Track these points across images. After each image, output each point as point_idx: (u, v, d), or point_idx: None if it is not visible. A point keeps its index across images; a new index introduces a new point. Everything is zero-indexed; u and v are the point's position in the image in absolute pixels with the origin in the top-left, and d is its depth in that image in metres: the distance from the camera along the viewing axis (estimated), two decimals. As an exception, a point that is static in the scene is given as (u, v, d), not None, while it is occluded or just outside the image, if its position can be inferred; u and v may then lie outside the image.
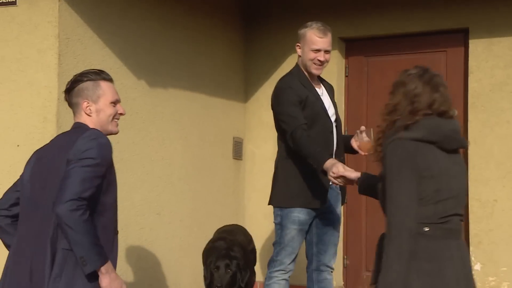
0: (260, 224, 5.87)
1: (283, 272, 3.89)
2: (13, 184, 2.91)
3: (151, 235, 4.91)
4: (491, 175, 5.30)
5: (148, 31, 4.95)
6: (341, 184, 3.55)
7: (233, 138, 5.99)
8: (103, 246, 2.60)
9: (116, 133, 2.88)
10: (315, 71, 3.97)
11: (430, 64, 5.49)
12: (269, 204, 4.07)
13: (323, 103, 3.98)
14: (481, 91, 5.37)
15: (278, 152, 4.07)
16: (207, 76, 5.62)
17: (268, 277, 3.93)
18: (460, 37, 5.52)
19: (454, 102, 5.35)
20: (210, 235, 4.82)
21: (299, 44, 4.03)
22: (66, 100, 2.85)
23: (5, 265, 2.76)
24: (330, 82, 4.35)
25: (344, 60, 5.99)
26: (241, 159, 6.11)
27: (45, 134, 4.06)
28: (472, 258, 5.31)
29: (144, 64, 4.88)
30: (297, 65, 4.08)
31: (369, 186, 3.07)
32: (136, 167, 4.75)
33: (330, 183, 3.69)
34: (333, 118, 4.03)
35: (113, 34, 4.60)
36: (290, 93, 3.91)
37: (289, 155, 3.94)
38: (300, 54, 4.03)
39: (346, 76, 5.97)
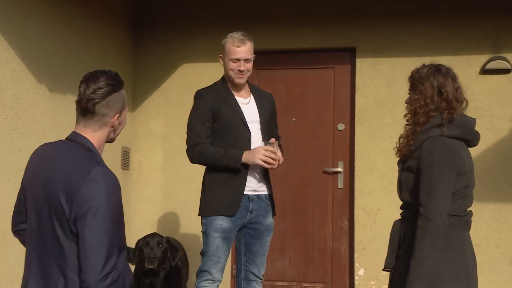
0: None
1: (212, 282, 3.88)
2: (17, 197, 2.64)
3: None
4: (375, 186, 5.66)
5: (49, 33, 4.71)
6: (273, 164, 3.80)
7: (122, 147, 5.84)
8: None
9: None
10: (237, 80, 4.00)
11: (318, 79, 5.88)
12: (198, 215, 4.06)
13: (241, 112, 3.99)
14: (367, 107, 5.72)
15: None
16: (101, 82, 5.43)
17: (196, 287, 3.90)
18: (347, 56, 5.85)
19: (342, 117, 5.78)
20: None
21: (221, 55, 4.07)
22: (83, 106, 2.49)
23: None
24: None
25: (235, 73, 6.08)
26: (128, 169, 5.97)
27: None
28: (356, 264, 5.64)
29: (46, 67, 4.63)
30: (222, 76, 4.14)
31: None
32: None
33: (255, 192, 3.89)
34: (254, 126, 4.02)
35: (17, 34, 4.31)
36: (200, 105, 3.98)
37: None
38: (223, 65, 4.07)
39: (237, 88, 6.06)
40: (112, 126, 2.54)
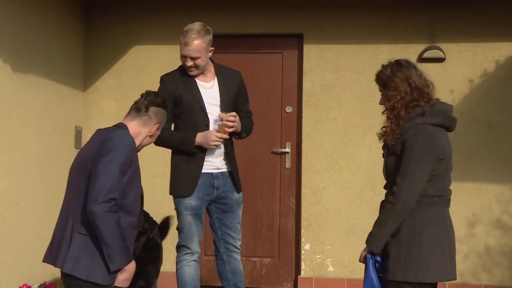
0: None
1: (191, 254, 4.11)
2: None
3: (12, 226, 4.70)
4: (321, 165, 5.99)
5: (12, 13, 4.72)
6: (221, 141, 4.07)
7: (75, 127, 5.91)
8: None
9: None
10: (189, 73, 4.14)
11: (267, 64, 6.15)
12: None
13: (201, 98, 4.12)
14: (314, 91, 6.04)
15: None
16: (58, 63, 5.48)
17: (178, 261, 4.11)
18: (295, 41, 6.13)
19: (290, 100, 6.07)
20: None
21: None
22: (141, 104, 3.16)
23: None
24: None
25: (186, 55, 6.24)
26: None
27: None
28: (303, 239, 5.98)
29: (9, 47, 4.65)
30: None
31: None
32: (1, 155, 4.52)
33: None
34: (215, 109, 4.15)
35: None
36: (163, 89, 4.11)
37: None
38: None
39: (188, 70, 6.22)
40: (150, 132, 3.16)
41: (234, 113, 4.09)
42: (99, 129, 3.17)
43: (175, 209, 4.18)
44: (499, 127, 5.84)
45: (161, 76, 4.25)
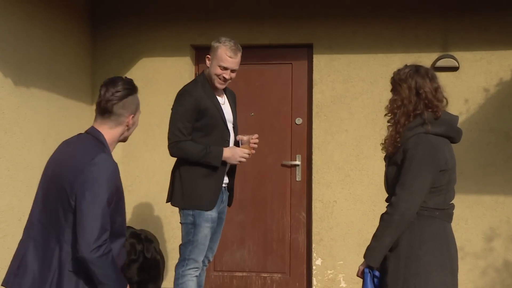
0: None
1: (196, 269, 4.09)
2: None
3: (13, 243, 4.59)
4: (332, 178, 5.85)
5: (13, 26, 4.66)
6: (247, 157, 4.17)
7: (81, 141, 5.83)
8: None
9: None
10: (218, 85, 4.18)
11: (276, 75, 6.03)
12: (176, 206, 4.23)
13: (223, 113, 4.20)
14: (324, 102, 5.90)
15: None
16: (63, 76, 5.42)
17: (180, 276, 4.04)
18: (304, 52, 6.01)
19: (300, 111, 5.94)
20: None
21: (209, 56, 4.21)
22: (103, 106, 2.77)
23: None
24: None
25: (194, 67, 6.16)
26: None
27: None
28: (314, 254, 5.84)
29: (10, 61, 4.59)
30: (203, 73, 4.26)
31: None
32: (1, 170, 4.45)
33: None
34: (230, 127, 4.28)
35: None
36: (188, 101, 4.10)
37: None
38: (208, 65, 4.21)
39: (196, 82, 6.13)
40: (127, 125, 2.84)
41: (257, 135, 4.25)
42: (70, 141, 2.86)
43: (185, 222, 4.13)
44: (516, 137, 5.66)
45: (184, 86, 4.25)
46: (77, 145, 2.81)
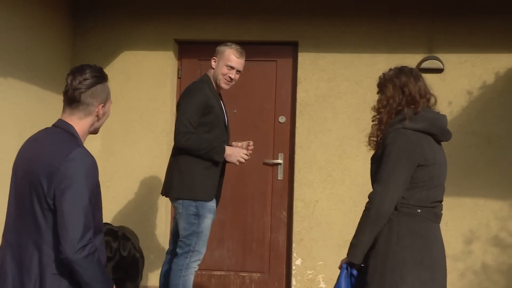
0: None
1: (199, 261, 4.19)
2: None
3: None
4: (314, 178, 5.80)
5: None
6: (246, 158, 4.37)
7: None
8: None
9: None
10: (224, 85, 4.38)
11: (261, 72, 5.95)
12: (176, 197, 4.26)
13: (224, 115, 4.41)
14: (308, 100, 5.84)
15: (176, 147, 4.31)
16: (42, 68, 5.29)
17: (185, 268, 4.07)
18: (289, 49, 5.94)
19: (283, 109, 5.87)
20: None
21: (215, 58, 4.41)
22: (70, 95, 2.60)
23: None
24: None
25: (177, 62, 6.07)
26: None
27: None
28: (294, 254, 5.78)
29: (-12, 50, 4.47)
30: (206, 75, 4.42)
31: None
32: (-22, 163, 4.32)
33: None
34: (227, 129, 4.46)
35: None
36: (199, 96, 4.26)
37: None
38: (214, 67, 4.40)
39: (178, 77, 6.05)
40: (97, 115, 2.68)
41: (252, 142, 4.51)
42: (36, 138, 2.69)
43: (187, 213, 4.17)
44: (498, 140, 5.65)
45: (194, 83, 4.41)
46: (47, 140, 2.62)
